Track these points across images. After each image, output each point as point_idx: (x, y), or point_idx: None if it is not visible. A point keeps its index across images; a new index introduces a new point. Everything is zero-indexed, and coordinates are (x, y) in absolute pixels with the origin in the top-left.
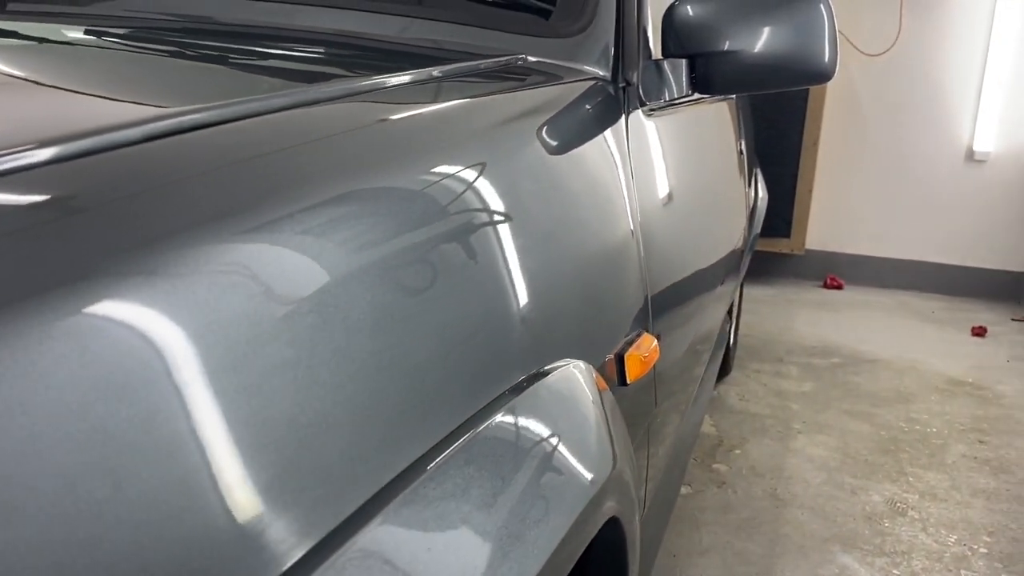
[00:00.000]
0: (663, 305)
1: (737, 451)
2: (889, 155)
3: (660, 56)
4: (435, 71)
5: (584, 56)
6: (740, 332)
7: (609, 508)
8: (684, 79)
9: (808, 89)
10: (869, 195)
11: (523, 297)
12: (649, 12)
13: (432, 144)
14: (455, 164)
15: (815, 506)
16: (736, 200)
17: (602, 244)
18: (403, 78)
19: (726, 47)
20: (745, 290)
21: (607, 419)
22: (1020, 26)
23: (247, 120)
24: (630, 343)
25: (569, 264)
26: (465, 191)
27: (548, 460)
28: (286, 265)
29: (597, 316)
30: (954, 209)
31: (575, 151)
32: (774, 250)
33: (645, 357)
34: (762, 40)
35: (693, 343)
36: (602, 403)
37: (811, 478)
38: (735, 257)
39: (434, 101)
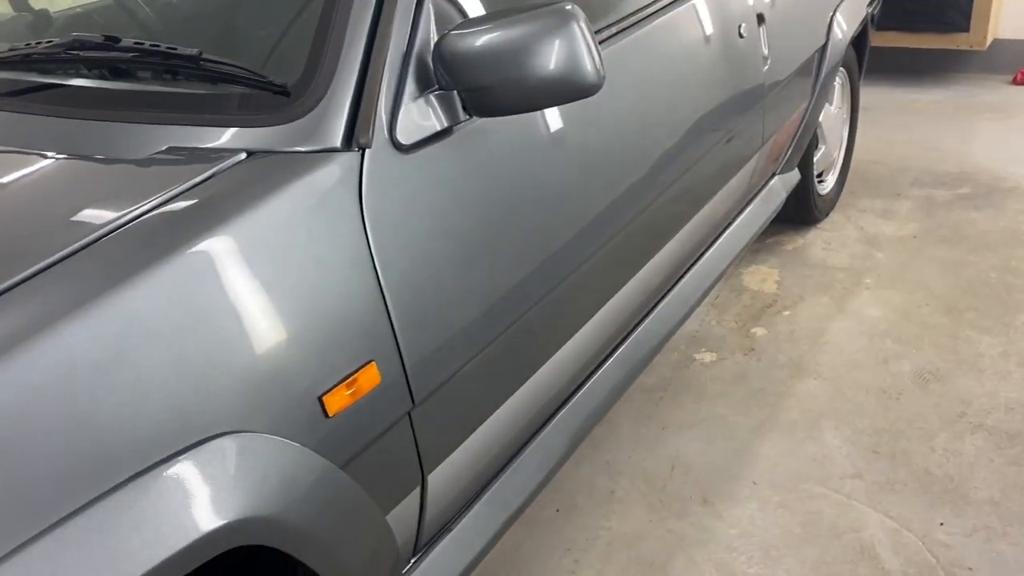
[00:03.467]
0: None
1: (786, 313)
2: None
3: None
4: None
5: (315, 133)
6: (869, 158)
7: (241, 538)
8: (457, 109)
9: None
10: None
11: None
12: (428, 40)
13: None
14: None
15: (834, 377)
16: (721, 91)
17: (313, 299)
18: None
19: (491, 82)
20: (913, 96)
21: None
22: None
23: None
24: (340, 381)
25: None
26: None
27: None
28: None
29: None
30: None
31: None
32: (950, 47)
33: (352, 390)
34: (526, 69)
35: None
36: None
37: (848, 344)
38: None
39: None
